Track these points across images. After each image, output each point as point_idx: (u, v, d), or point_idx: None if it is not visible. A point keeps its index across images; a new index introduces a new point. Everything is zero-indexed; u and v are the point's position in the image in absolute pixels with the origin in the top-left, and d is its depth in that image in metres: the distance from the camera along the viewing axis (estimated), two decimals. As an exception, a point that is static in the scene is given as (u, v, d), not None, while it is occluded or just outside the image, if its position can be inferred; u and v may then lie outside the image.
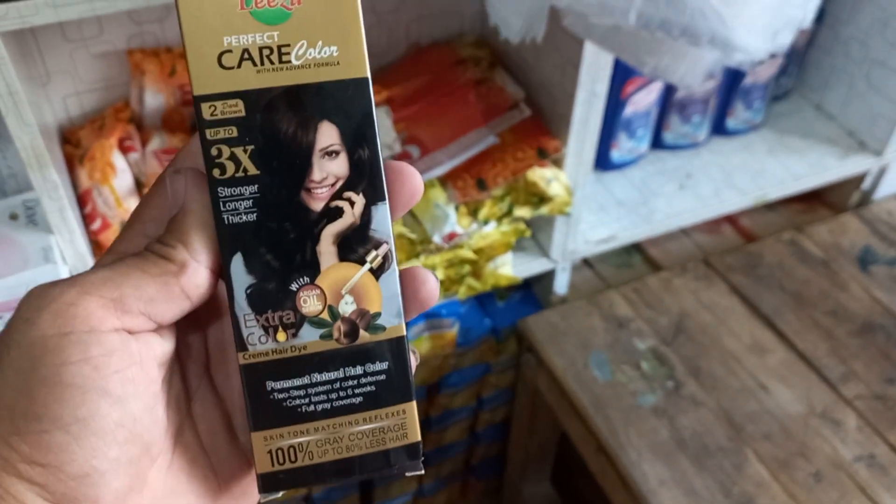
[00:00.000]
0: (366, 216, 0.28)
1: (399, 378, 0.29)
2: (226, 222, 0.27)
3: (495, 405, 1.23)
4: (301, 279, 0.28)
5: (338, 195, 0.28)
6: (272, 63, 0.27)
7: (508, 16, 0.59)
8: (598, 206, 1.08)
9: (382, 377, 0.29)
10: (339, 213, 0.28)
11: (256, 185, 0.27)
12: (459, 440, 1.27)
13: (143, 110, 0.87)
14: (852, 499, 0.85)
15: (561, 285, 1.08)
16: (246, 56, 0.27)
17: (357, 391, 0.29)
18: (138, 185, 0.82)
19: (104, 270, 0.26)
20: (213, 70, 0.27)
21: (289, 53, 0.27)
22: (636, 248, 1.19)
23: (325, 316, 0.28)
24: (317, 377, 0.28)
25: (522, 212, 0.90)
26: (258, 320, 0.28)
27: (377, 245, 0.28)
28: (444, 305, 1.01)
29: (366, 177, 0.28)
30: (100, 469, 0.25)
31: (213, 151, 0.27)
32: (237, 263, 0.28)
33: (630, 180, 1.12)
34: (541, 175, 0.88)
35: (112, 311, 0.25)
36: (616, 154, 1.11)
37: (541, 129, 0.90)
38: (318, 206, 0.28)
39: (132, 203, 0.79)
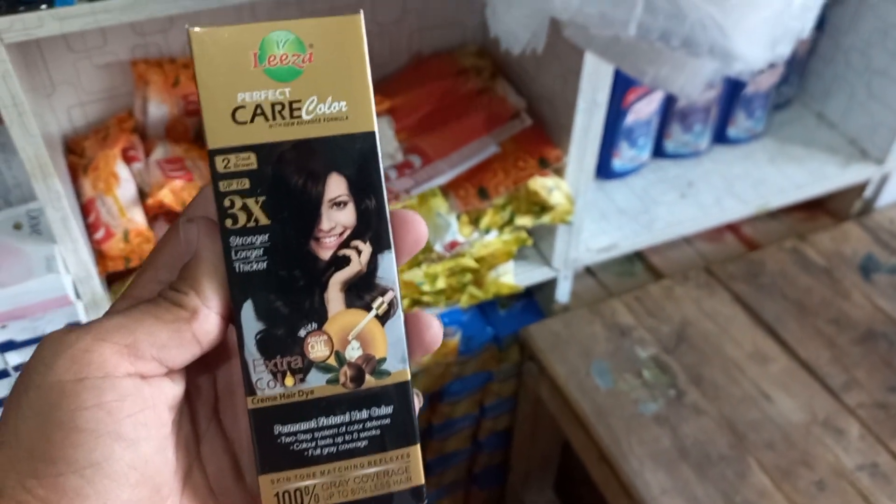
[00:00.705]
0: (372, 264, 0.29)
1: (403, 422, 0.30)
2: (237, 270, 0.28)
3: (498, 413, 1.23)
4: (309, 325, 0.29)
5: (345, 244, 0.29)
6: (284, 118, 0.28)
7: (509, 27, 0.60)
8: (599, 214, 1.08)
9: (387, 421, 0.30)
10: (346, 261, 0.29)
11: (267, 235, 0.28)
12: (462, 448, 1.27)
13: (146, 120, 0.87)
14: (855, 508, 0.85)
15: (563, 294, 1.08)
16: (259, 111, 0.28)
17: (362, 435, 0.30)
18: (142, 194, 0.82)
19: (118, 317, 0.27)
20: (226, 124, 0.28)
21: (300, 109, 0.28)
22: (638, 257, 1.20)
23: (332, 361, 0.29)
24: (323, 421, 0.29)
25: (524, 220, 0.90)
26: (267, 365, 0.29)
27: (383, 292, 0.29)
28: (445, 314, 1.01)
29: (372, 226, 0.29)
30: None
31: (226, 202, 0.28)
32: (247, 310, 0.28)
33: (631, 189, 1.12)
34: (542, 184, 0.88)
35: (126, 356, 0.26)
36: (617, 163, 1.11)
37: (542, 139, 0.90)
38: (326, 254, 0.29)
39: (135, 212, 0.80)
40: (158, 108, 0.87)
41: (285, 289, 0.29)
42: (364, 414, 0.29)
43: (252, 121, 0.28)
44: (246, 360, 0.29)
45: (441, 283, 0.92)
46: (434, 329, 0.30)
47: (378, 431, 0.30)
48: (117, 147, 0.82)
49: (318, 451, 0.29)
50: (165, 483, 0.28)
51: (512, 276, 0.98)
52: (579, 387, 0.97)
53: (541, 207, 0.90)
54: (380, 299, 0.29)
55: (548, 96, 0.91)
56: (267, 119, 0.28)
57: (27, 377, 0.26)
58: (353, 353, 0.29)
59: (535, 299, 1.14)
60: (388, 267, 0.29)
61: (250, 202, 0.28)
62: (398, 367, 0.30)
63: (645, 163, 1.14)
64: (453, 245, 0.87)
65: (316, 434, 0.29)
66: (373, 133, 0.29)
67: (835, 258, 1.14)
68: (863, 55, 1.13)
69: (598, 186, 1.11)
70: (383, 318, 0.29)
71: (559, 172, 0.91)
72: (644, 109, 1.06)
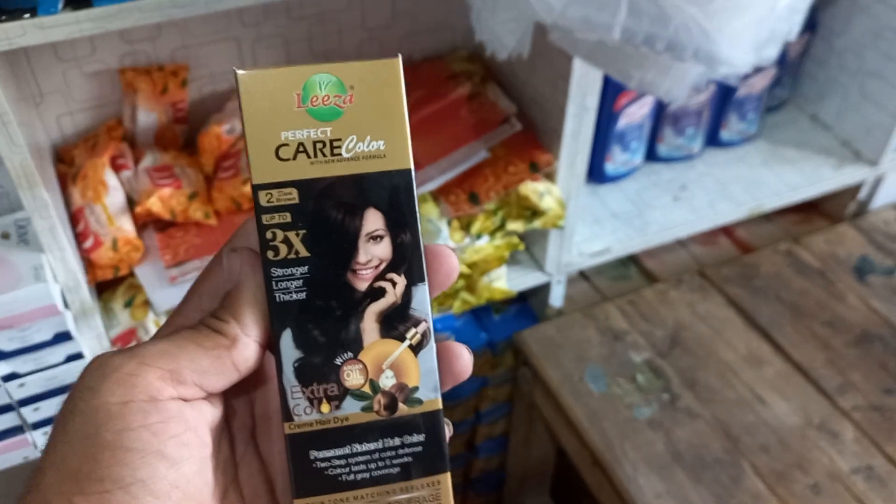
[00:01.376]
0: (406, 296, 0.30)
1: (435, 449, 0.31)
2: (277, 300, 0.29)
3: (493, 419, 1.23)
4: (345, 354, 0.30)
5: (381, 276, 0.30)
6: (325, 155, 0.30)
7: (495, 32, 0.60)
8: (592, 218, 1.08)
9: (419, 448, 0.30)
10: (381, 293, 0.30)
11: (307, 267, 0.30)
12: (458, 454, 1.26)
13: (135, 128, 0.87)
14: (850, 511, 0.85)
15: (556, 298, 1.07)
16: (301, 149, 0.29)
17: (395, 462, 0.30)
18: (130, 202, 0.82)
19: (162, 343, 0.29)
20: (270, 161, 0.29)
21: (340, 147, 0.30)
22: (632, 261, 1.19)
23: (367, 389, 0.30)
24: (357, 447, 0.30)
25: (515, 225, 0.90)
26: (304, 392, 0.30)
27: (416, 323, 0.30)
28: (439, 320, 1.01)
29: (407, 259, 0.30)
30: None
31: (268, 235, 0.29)
32: (286, 339, 0.30)
33: (624, 193, 1.12)
34: (533, 189, 0.88)
35: (169, 381, 0.28)
36: (610, 167, 1.11)
37: (533, 143, 0.90)
38: (362, 286, 0.30)
39: (124, 221, 0.79)
40: (147, 116, 0.86)
41: (323, 318, 0.30)
42: (397, 441, 0.30)
43: (294, 158, 0.29)
44: (284, 387, 0.30)
45: (433, 289, 0.92)
46: (464, 358, 0.31)
47: (410, 458, 0.30)
48: (106, 155, 0.81)
49: (352, 476, 0.30)
50: (204, 503, 0.29)
51: (505, 282, 0.97)
52: (573, 391, 0.97)
53: (532, 212, 0.90)
54: (413, 330, 0.30)
55: (538, 101, 0.90)
56: (309, 156, 0.29)
57: (73, 402, 0.27)
58: (387, 381, 0.30)
59: (529, 304, 1.14)
60: (422, 299, 0.30)
61: (291, 235, 0.29)
62: (430, 396, 0.30)
63: (638, 166, 1.14)
64: (444, 251, 0.86)
65: (350, 460, 0.30)
66: (409, 170, 0.30)
67: (829, 260, 1.14)
68: (856, 57, 1.13)
69: (591, 190, 1.11)
70: (416, 349, 0.30)
71: (550, 177, 0.91)
72: (636, 113, 1.05)
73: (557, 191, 0.91)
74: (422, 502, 0.30)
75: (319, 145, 0.29)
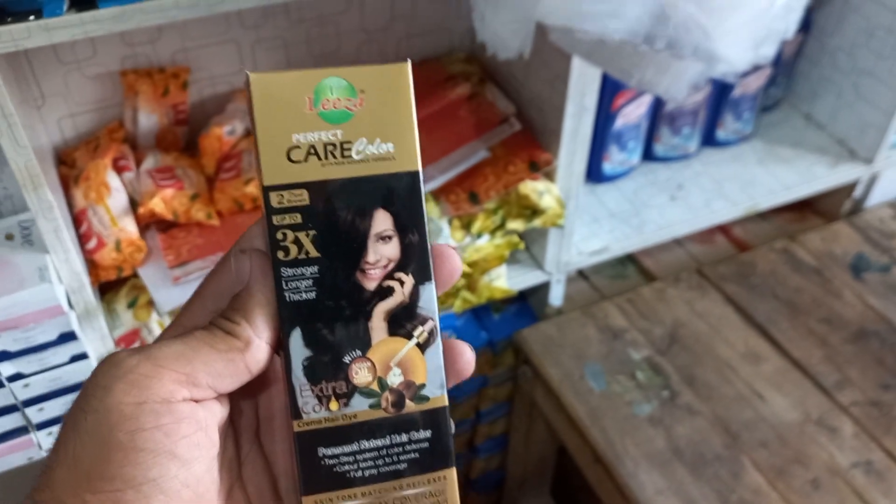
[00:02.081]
0: (414, 295, 0.31)
1: (441, 445, 0.31)
2: (287, 300, 0.30)
3: (493, 418, 1.23)
4: (354, 352, 0.31)
5: (389, 276, 0.30)
6: (335, 157, 0.30)
7: (497, 33, 0.60)
8: (590, 217, 1.08)
9: (426, 445, 0.31)
10: (390, 291, 0.31)
11: (316, 267, 0.30)
12: (458, 454, 1.27)
13: (136, 130, 0.87)
14: (849, 505, 0.85)
15: (556, 297, 1.08)
16: (312, 151, 0.30)
17: (402, 458, 0.31)
18: (133, 204, 0.82)
19: (177, 344, 0.29)
20: (281, 163, 0.30)
21: (350, 149, 0.30)
22: (630, 259, 1.20)
23: (375, 387, 0.31)
24: (365, 444, 0.31)
25: (515, 224, 0.91)
26: (313, 390, 0.30)
27: (423, 321, 0.31)
28: (439, 319, 1.01)
29: (415, 259, 0.31)
30: None
31: (279, 235, 0.30)
32: (296, 338, 0.30)
33: (622, 192, 1.13)
34: (532, 188, 0.89)
35: (184, 384, 0.28)
36: (608, 166, 1.11)
37: (532, 143, 0.90)
38: (371, 285, 0.30)
39: (127, 222, 0.80)
40: (148, 119, 0.87)
41: (332, 317, 0.30)
42: (404, 437, 0.31)
43: (306, 160, 0.30)
44: (293, 385, 0.30)
45: (433, 289, 0.93)
46: (467, 356, 0.32)
47: (417, 455, 0.31)
48: (108, 157, 0.82)
49: (360, 472, 0.31)
50: (212, 501, 0.29)
51: (505, 280, 0.98)
52: (573, 389, 0.98)
53: (532, 211, 0.90)
54: (420, 328, 0.31)
55: (536, 101, 0.91)
56: (319, 158, 0.30)
57: (85, 400, 0.28)
58: (395, 379, 0.31)
59: (528, 303, 1.14)
60: (429, 298, 0.31)
61: (301, 235, 0.30)
62: (437, 393, 0.31)
63: (635, 166, 1.15)
64: (445, 250, 0.87)
65: (358, 456, 0.31)
66: (417, 172, 0.30)
67: (825, 258, 1.15)
68: (849, 56, 1.14)
69: (588, 190, 1.12)
70: (423, 346, 0.31)
71: (549, 176, 0.92)
72: (633, 113, 1.06)
73: (556, 190, 0.91)
74: (428, 497, 0.31)
75: (330, 147, 0.30)
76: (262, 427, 0.32)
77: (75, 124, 0.88)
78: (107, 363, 0.28)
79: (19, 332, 0.70)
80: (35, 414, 0.77)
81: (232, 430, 0.31)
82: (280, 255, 0.30)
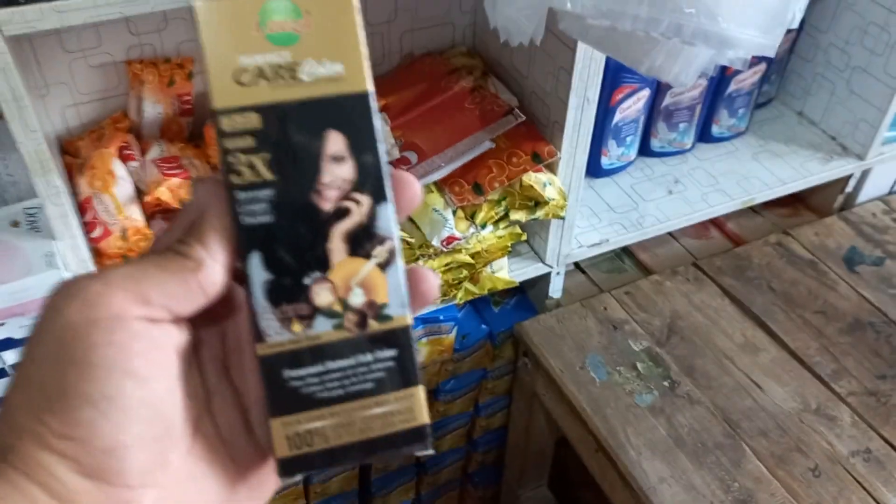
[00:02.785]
0: (371, 215, 0.31)
1: (406, 364, 0.31)
2: (243, 223, 0.30)
3: (492, 411, 1.24)
4: (314, 274, 0.30)
5: (346, 196, 0.30)
6: (284, 79, 0.30)
7: (512, 18, 0.61)
8: (589, 211, 1.09)
9: (391, 363, 0.31)
10: (347, 212, 0.30)
11: (271, 189, 0.30)
12: (457, 447, 1.27)
13: (141, 120, 0.87)
14: (851, 493, 0.86)
15: (555, 290, 1.09)
16: (260, 74, 0.30)
17: (368, 377, 0.31)
18: (139, 193, 0.82)
19: (127, 267, 0.28)
20: (230, 86, 0.30)
21: (299, 71, 0.30)
22: (626, 253, 1.21)
23: (337, 307, 0.31)
24: (330, 365, 0.30)
25: (518, 215, 0.91)
26: (275, 313, 0.30)
27: (382, 241, 0.31)
28: (442, 310, 1.02)
29: (370, 179, 0.30)
30: (125, 443, 0.27)
31: (231, 159, 0.30)
32: (254, 261, 0.30)
33: (620, 186, 1.14)
34: (536, 179, 0.89)
35: (135, 302, 0.28)
36: (606, 161, 1.12)
37: (534, 135, 0.91)
38: (328, 206, 0.30)
39: (133, 211, 0.80)
40: (153, 108, 0.87)
41: (290, 239, 0.30)
42: (369, 357, 0.31)
43: (255, 82, 0.30)
44: (254, 309, 0.30)
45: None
46: (430, 280, 0.32)
47: (383, 374, 0.31)
48: (113, 146, 0.82)
49: (327, 393, 0.30)
50: (176, 424, 0.29)
51: (507, 272, 0.99)
52: (575, 380, 0.98)
53: (535, 202, 0.91)
54: (380, 248, 0.31)
55: (538, 94, 0.92)
56: (269, 80, 0.30)
57: (39, 323, 0.27)
58: (357, 299, 0.31)
59: (527, 296, 1.15)
60: (387, 218, 0.31)
61: (254, 159, 0.30)
62: (399, 312, 0.31)
63: (632, 161, 1.16)
64: (450, 240, 0.88)
65: (324, 377, 0.30)
66: (367, 92, 0.30)
67: (819, 251, 1.16)
68: (843, 53, 1.16)
69: (587, 184, 1.12)
70: (384, 266, 0.31)
71: (551, 169, 0.92)
72: (631, 108, 1.07)
73: (559, 181, 0.92)
74: (396, 415, 0.31)
75: (279, 69, 0.30)
76: (229, 359, 0.32)
77: (79, 113, 0.88)
78: (59, 287, 0.28)
79: (25, 319, 0.70)
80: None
81: (196, 360, 0.31)
82: (234, 178, 0.30)
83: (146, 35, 0.85)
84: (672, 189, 1.13)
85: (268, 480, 0.32)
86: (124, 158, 0.83)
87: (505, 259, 0.98)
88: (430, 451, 0.31)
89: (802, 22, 1.19)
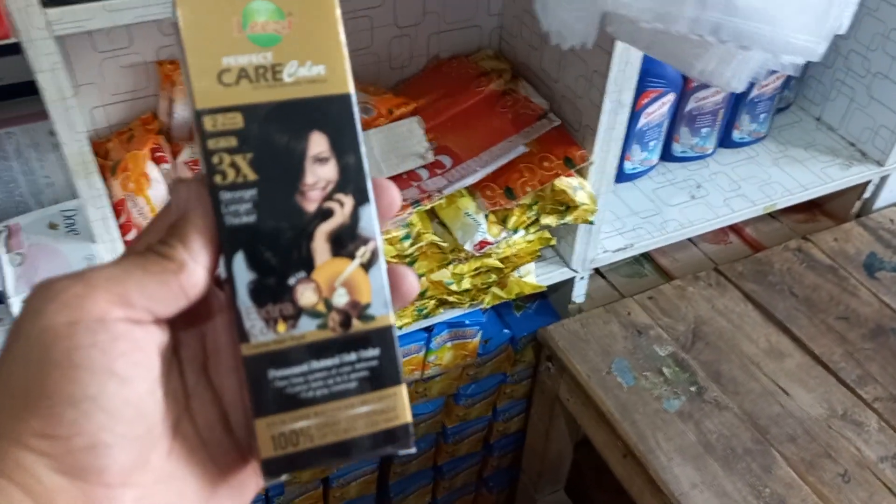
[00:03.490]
0: (354, 216, 0.31)
1: (389, 363, 0.31)
2: (227, 224, 0.30)
3: (509, 416, 1.24)
4: (298, 274, 0.30)
5: (329, 197, 0.31)
6: (266, 80, 0.30)
7: (565, 21, 0.61)
8: (613, 216, 1.09)
9: (374, 363, 0.31)
10: (330, 213, 0.31)
11: (255, 189, 0.30)
12: (474, 452, 1.27)
13: (171, 122, 0.86)
14: (882, 499, 0.87)
15: (579, 294, 1.09)
16: (243, 74, 0.30)
17: (352, 376, 0.31)
18: (172, 195, 0.81)
19: (109, 267, 0.28)
20: (213, 87, 0.30)
21: (281, 72, 0.30)
22: (646, 258, 1.21)
23: (321, 307, 0.31)
24: (315, 364, 0.31)
25: (549, 220, 0.91)
26: (259, 313, 0.30)
27: (365, 241, 0.31)
28: (468, 315, 1.01)
29: (352, 181, 0.31)
30: (107, 442, 0.27)
31: (215, 159, 0.30)
32: (238, 261, 0.30)
33: (643, 191, 1.14)
34: (567, 183, 0.89)
35: (117, 304, 0.27)
36: (628, 165, 1.12)
37: (565, 139, 0.91)
38: (311, 207, 0.30)
39: (167, 213, 0.79)
40: (184, 110, 0.86)
41: (274, 240, 0.30)
42: (353, 356, 0.31)
43: (237, 83, 0.30)
44: (239, 309, 0.30)
45: (466, 284, 0.93)
46: (410, 279, 0.32)
47: (367, 373, 0.31)
48: (146, 148, 0.81)
49: (311, 392, 0.30)
50: (157, 426, 0.29)
51: (533, 277, 0.98)
52: (602, 385, 0.98)
53: (566, 207, 0.91)
54: (363, 248, 0.31)
55: (569, 97, 0.92)
56: (251, 81, 0.30)
57: (18, 325, 0.27)
58: (341, 299, 0.31)
59: (548, 301, 1.15)
60: (369, 219, 0.31)
61: (238, 159, 0.30)
62: (382, 312, 0.31)
63: (654, 165, 1.16)
64: (483, 244, 0.87)
65: (308, 377, 0.30)
66: (348, 94, 0.31)
67: (839, 257, 1.17)
68: (864, 59, 1.16)
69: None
70: (367, 266, 0.31)
71: (581, 173, 0.92)
72: (656, 112, 1.07)
73: (589, 186, 0.92)
74: (380, 414, 0.31)
75: (261, 70, 0.30)
76: (209, 361, 0.32)
77: (107, 114, 0.87)
78: (38, 289, 0.28)
79: (64, 323, 0.69)
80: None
81: (176, 361, 0.31)
82: (217, 179, 0.29)
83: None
84: (694, 194, 1.13)
85: (249, 482, 0.32)
86: (156, 160, 0.82)
87: (532, 264, 0.98)
88: (413, 450, 0.31)
89: (822, 28, 1.20)
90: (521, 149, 0.88)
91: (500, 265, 0.93)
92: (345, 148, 0.31)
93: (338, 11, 0.31)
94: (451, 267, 0.90)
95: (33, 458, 0.26)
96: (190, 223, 0.29)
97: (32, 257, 0.68)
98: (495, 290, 0.96)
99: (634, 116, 1.06)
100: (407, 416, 0.31)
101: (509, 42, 1.02)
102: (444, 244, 0.87)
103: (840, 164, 1.19)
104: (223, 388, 0.32)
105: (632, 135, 1.08)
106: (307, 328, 0.30)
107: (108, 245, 0.70)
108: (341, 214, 0.31)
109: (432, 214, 0.91)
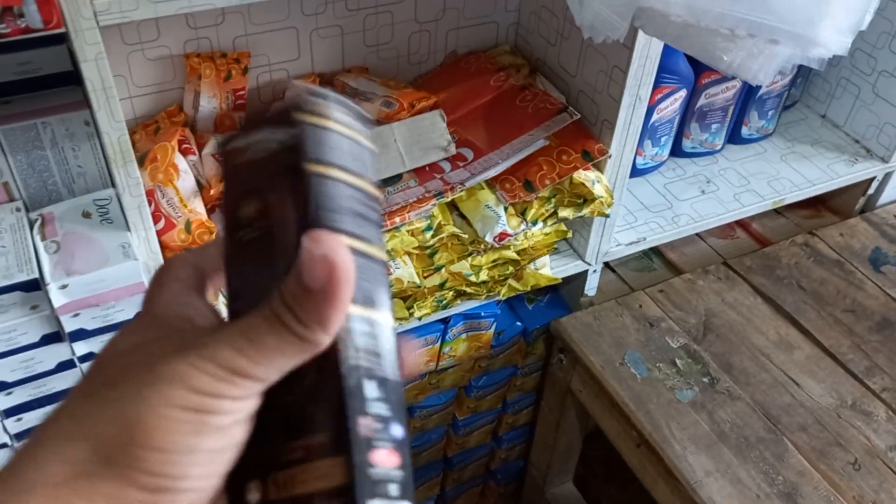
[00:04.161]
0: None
1: None
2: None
3: (518, 408, 1.25)
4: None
5: None
6: None
7: (602, 16, 0.62)
8: (625, 210, 1.11)
9: None
10: None
11: None
12: (483, 444, 1.28)
13: (196, 114, 0.87)
14: (892, 486, 0.89)
15: (591, 287, 1.10)
16: None
17: None
18: (199, 186, 0.82)
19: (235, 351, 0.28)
20: None
21: None
22: (655, 252, 1.23)
23: None
24: None
25: (566, 212, 0.92)
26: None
27: None
28: (483, 306, 1.02)
29: None
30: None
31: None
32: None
33: (653, 186, 1.15)
34: (585, 177, 0.91)
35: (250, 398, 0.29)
36: (640, 160, 1.14)
37: (583, 133, 0.92)
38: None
39: (196, 204, 0.80)
40: (209, 103, 0.87)
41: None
42: None
43: None
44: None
45: (483, 276, 0.94)
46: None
47: None
48: (173, 139, 0.82)
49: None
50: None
51: (549, 269, 1.00)
52: (616, 376, 1.00)
53: (583, 200, 0.92)
54: None
55: (587, 92, 0.93)
56: None
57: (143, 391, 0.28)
58: None
59: (559, 294, 1.16)
60: None
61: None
62: None
63: (664, 161, 1.18)
64: (503, 236, 0.89)
65: None
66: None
67: (845, 251, 1.19)
68: (869, 57, 1.18)
69: (621, 183, 1.14)
70: None
71: (598, 167, 0.94)
72: (668, 108, 1.09)
73: (606, 179, 0.93)
74: None
75: None
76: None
77: (133, 107, 0.87)
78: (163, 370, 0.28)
79: (98, 311, 0.70)
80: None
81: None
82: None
83: (203, 29, 0.85)
84: (705, 189, 1.15)
85: None
86: (183, 152, 0.83)
87: (547, 256, 1.00)
88: None
89: (829, 27, 1.22)
90: (542, 142, 0.89)
91: (517, 257, 0.95)
92: None
93: None
94: (470, 259, 0.91)
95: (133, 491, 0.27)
96: (336, 308, 0.27)
97: (68, 245, 0.69)
98: (511, 281, 0.97)
99: (647, 112, 1.07)
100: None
101: (526, 38, 1.04)
102: (465, 235, 0.89)
103: (846, 160, 1.22)
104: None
105: (644, 130, 1.10)
106: None
107: (142, 234, 0.71)
108: None
109: (452, 207, 0.92)
